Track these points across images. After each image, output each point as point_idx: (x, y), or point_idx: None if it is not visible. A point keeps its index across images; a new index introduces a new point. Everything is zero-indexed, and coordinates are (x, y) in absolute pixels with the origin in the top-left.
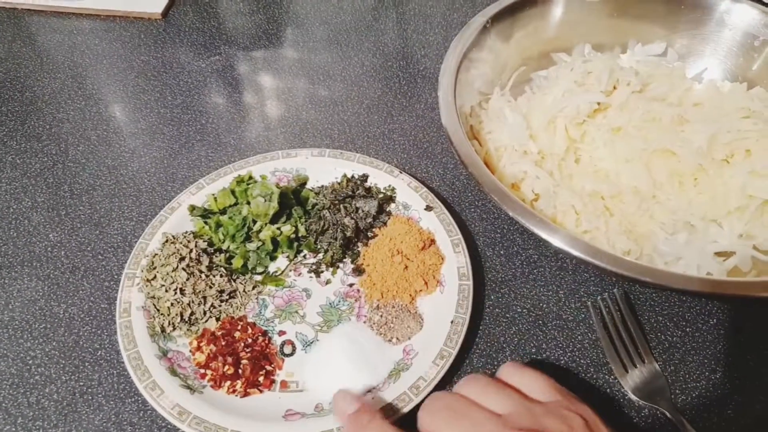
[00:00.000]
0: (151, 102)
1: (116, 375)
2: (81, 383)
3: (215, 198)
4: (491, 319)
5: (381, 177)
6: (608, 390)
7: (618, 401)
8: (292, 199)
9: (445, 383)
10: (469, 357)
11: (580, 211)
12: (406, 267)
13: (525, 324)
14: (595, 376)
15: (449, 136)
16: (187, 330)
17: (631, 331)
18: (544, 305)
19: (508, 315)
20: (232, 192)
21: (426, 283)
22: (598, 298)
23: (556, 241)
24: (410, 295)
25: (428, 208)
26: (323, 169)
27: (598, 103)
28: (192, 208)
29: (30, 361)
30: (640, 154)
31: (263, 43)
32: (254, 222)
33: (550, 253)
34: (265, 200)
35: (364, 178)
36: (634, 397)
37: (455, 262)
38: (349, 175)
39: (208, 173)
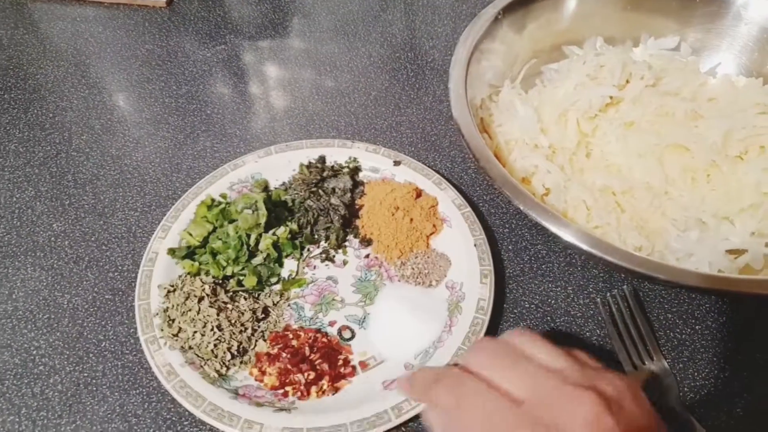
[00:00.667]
0: (155, 91)
1: (120, 366)
2: (85, 374)
3: (189, 233)
4: (499, 314)
5: (336, 153)
6: None
7: None
8: (267, 204)
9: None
10: None
11: (591, 206)
12: (411, 219)
13: (533, 319)
14: None
15: (460, 129)
16: (241, 362)
17: (640, 328)
18: (553, 301)
19: (516, 310)
20: (205, 219)
21: (434, 225)
22: (608, 294)
23: (569, 237)
24: (424, 240)
25: (396, 163)
26: (278, 166)
27: (611, 97)
28: (172, 252)
29: (34, 352)
30: (653, 149)
31: (269, 33)
32: (248, 236)
33: (559, 248)
34: (252, 211)
35: (322, 159)
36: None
37: (447, 198)
38: (305, 163)
39: (214, 164)
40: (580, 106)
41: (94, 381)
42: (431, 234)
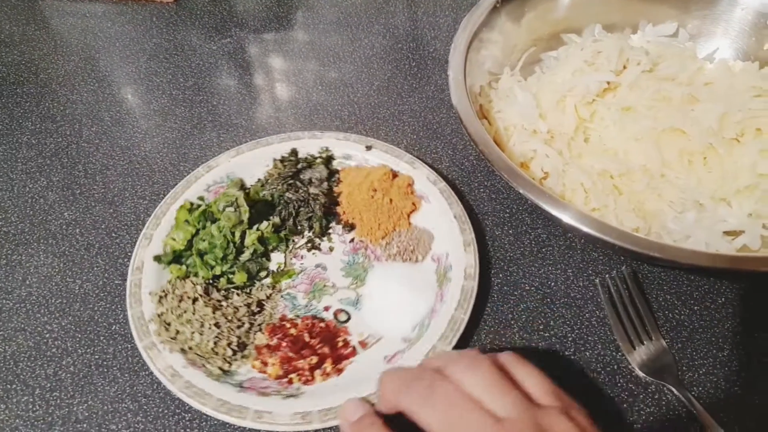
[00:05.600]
0: (163, 84)
1: (130, 349)
2: (96, 356)
3: (173, 238)
4: (499, 296)
5: (309, 144)
6: (615, 366)
7: (625, 377)
8: (246, 201)
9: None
10: (477, 333)
11: (589, 189)
12: (390, 200)
13: (533, 302)
14: (602, 353)
15: (459, 116)
16: (242, 357)
17: (639, 309)
18: (552, 283)
19: (516, 293)
20: (187, 222)
21: (413, 203)
22: (606, 276)
23: (567, 218)
24: (405, 218)
25: (368, 148)
26: (250, 164)
27: (608, 83)
28: (158, 259)
29: (47, 335)
30: (650, 133)
31: (274, 26)
32: (233, 234)
33: (559, 232)
34: (234, 209)
35: (294, 152)
36: (641, 374)
37: (422, 175)
38: (278, 157)
39: (220, 153)
40: (578, 91)
41: (105, 363)
42: (411, 212)
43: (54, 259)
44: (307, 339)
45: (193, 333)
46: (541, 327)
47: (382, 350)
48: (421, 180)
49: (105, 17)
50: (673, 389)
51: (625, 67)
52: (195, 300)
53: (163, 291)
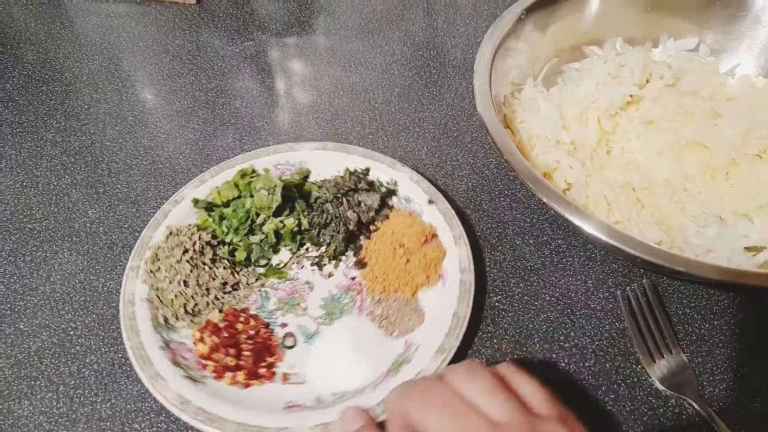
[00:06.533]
0: (185, 85)
1: None
2: (119, 355)
3: (219, 191)
4: (520, 306)
5: (383, 170)
6: (635, 379)
7: (645, 390)
8: (295, 192)
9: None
10: (498, 343)
11: (612, 201)
12: (408, 260)
13: (554, 312)
14: (622, 365)
15: (485, 124)
16: (191, 321)
17: (659, 322)
18: (573, 294)
19: (536, 303)
20: (236, 185)
21: (428, 277)
22: (628, 288)
23: (595, 231)
24: (412, 288)
25: (430, 202)
26: (326, 162)
27: (631, 96)
28: (195, 201)
29: (71, 332)
30: (672, 147)
31: (295, 30)
32: (257, 215)
33: (579, 242)
34: (269, 193)
35: (366, 171)
36: (660, 387)
37: (457, 255)
38: (351, 169)
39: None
40: (601, 104)
41: (128, 362)
42: (422, 285)
43: (78, 257)
44: (242, 340)
45: (165, 278)
46: (561, 337)
47: (292, 395)
48: (452, 260)
49: (128, 17)
50: (694, 404)
51: (648, 81)
52: (185, 252)
53: (178, 230)
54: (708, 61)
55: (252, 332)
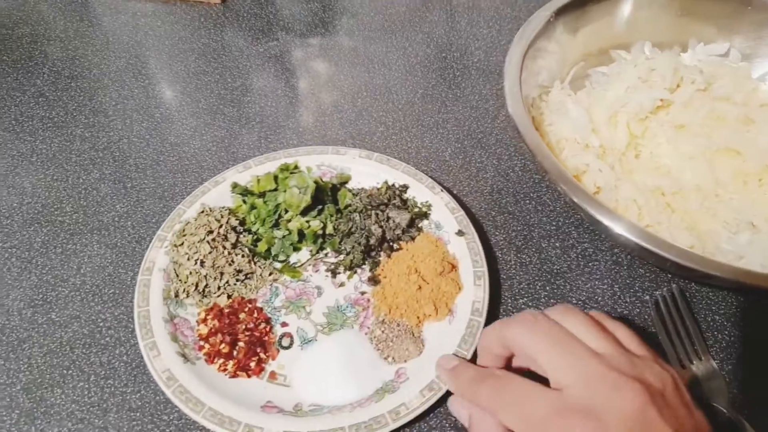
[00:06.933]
0: (211, 83)
1: None
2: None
3: (258, 180)
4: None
5: (421, 191)
6: None
7: None
8: (328, 195)
9: (428, 413)
10: None
11: (642, 205)
12: (420, 288)
13: None
14: None
15: (516, 126)
16: (199, 301)
17: (689, 328)
18: (599, 298)
19: None
20: (275, 177)
21: (436, 310)
22: (657, 293)
23: (625, 232)
24: (418, 317)
25: (460, 233)
26: (368, 172)
27: (661, 100)
28: (234, 186)
29: (101, 324)
30: (704, 152)
31: (319, 31)
32: (286, 211)
33: (606, 246)
34: (300, 192)
35: (404, 188)
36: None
37: (472, 295)
38: (390, 183)
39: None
40: (631, 108)
41: None
42: (428, 316)
43: (107, 250)
44: (240, 331)
45: (185, 254)
46: None
47: (273, 395)
48: (466, 298)
49: (155, 16)
50: (725, 411)
51: (678, 86)
52: (209, 232)
53: (210, 209)
54: (740, 66)
55: (252, 324)
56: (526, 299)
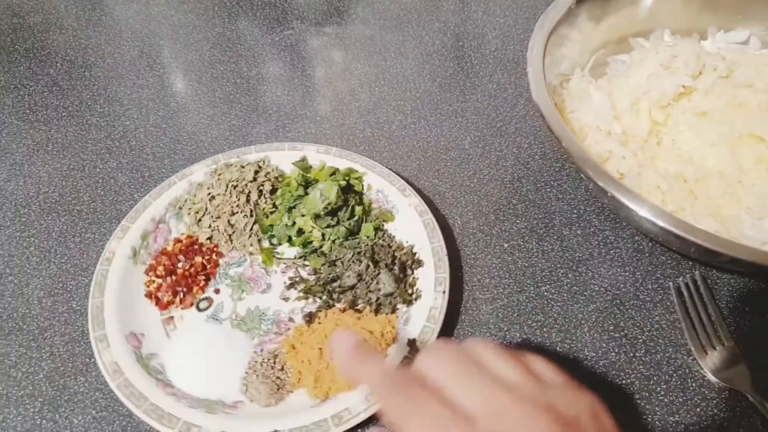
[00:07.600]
0: (227, 72)
1: None
2: None
3: (323, 167)
4: (569, 296)
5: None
6: (687, 370)
7: (697, 381)
8: (358, 202)
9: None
10: (548, 332)
11: (665, 191)
12: (327, 366)
13: (603, 302)
14: (673, 356)
15: (542, 112)
16: (196, 224)
17: (710, 314)
18: (622, 285)
19: (585, 293)
20: (331, 174)
21: (328, 390)
22: (679, 279)
23: (652, 216)
24: (320, 392)
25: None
26: (411, 219)
27: (683, 87)
28: (302, 159)
29: None
30: (726, 139)
31: (334, 20)
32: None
33: (627, 234)
34: (321, 199)
35: (419, 263)
36: (713, 379)
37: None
38: (412, 249)
39: (288, 142)
40: (654, 95)
41: None
42: (339, 391)
43: None
44: (183, 267)
45: (212, 192)
46: (611, 327)
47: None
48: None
49: (167, 5)
50: (748, 396)
51: (700, 73)
52: (235, 186)
53: (251, 164)
54: (762, 53)
55: (195, 270)
56: (548, 286)
